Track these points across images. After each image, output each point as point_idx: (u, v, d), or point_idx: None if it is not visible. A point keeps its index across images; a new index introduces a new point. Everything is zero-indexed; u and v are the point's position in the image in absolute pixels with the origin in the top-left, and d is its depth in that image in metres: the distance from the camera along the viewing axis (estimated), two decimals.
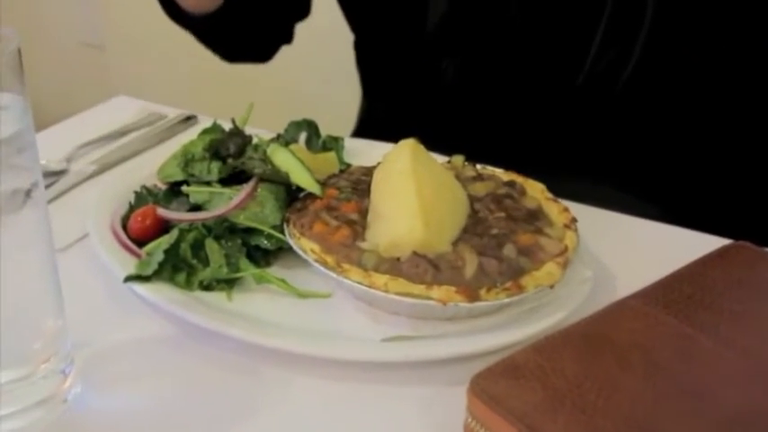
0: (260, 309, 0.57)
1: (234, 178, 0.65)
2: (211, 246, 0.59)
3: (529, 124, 0.87)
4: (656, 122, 0.85)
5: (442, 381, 0.52)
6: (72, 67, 2.33)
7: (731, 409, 0.44)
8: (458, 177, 0.64)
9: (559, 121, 0.86)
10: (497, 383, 0.44)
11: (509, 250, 0.56)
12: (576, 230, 0.59)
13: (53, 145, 0.79)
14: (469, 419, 0.45)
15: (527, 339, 0.51)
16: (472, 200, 0.62)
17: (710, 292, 0.53)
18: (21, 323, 0.45)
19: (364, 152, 0.75)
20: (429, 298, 0.53)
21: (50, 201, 0.70)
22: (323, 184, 0.64)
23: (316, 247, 0.57)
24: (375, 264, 0.55)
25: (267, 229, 0.61)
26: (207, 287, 0.58)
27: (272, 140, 0.71)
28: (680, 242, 0.67)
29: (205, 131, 0.71)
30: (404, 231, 0.55)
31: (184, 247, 0.58)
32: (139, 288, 0.56)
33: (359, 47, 0.99)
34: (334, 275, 0.55)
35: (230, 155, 0.66)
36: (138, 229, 0.62)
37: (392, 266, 0.54)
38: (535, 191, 0.65)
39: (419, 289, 0.53)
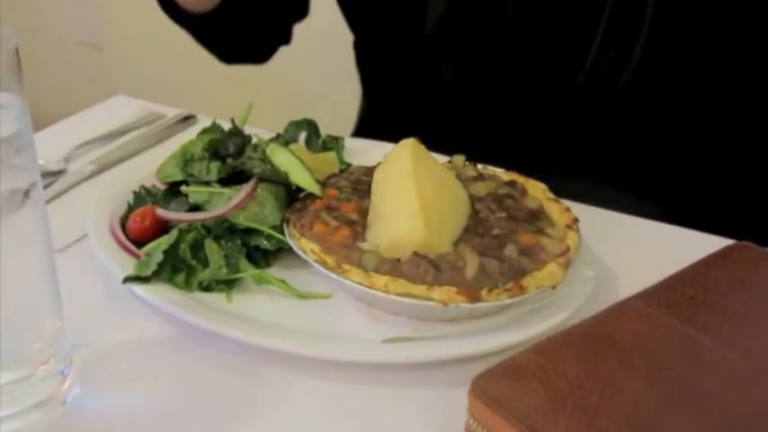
0: (260, 310, 0.56)
1: (233, 178, 0.65)
2: (211, 246, 0.59)
3: (529, 124, 0.87)
4: (657, 122, 0.85)
5: (443, 382, 0.51)
6: (70, 66, 2.33)
7: (734, 409, 0.44)
8: (458, 177, 0.64)
9: (560, 122, 0.86)
10: (499, 385, 0.44)
11: (510, 251, 0.56)
12: (577, 230, 0.59)
13: (51, 145, 0.79)
14: (471, 421, 0.45)
15: (528, 340, 0.51)
16: (473, 200, 0.62)
17: (713, 293, 0.53)
18: (19, 324, 0.45)
19: (364, 152, 0.74)
20: (430, 299, 0.52)
21: (49, 201, 0.70)
22: (323, 184, 0.63)
23: (316, 248, 0.57)
24: (375, 264, 0.54)
25: (267, 230, 0.61)
26: (206, 288, 0.57)
27: (272, 140, 0.70)
28: (682, 242, 0.66)
29: (204, 131, 0.71)
30: (404, 231, 0.55)
31: (184, 248, 0.58)
32: (138, 289, 0.56)
33: (358, 47, 0.99)
34: (335, 276, 0.55)
35: (230, 155, 0.66)
36: (137, 229, 0.62)
37: (393, 267, 0.54)
38: (536, 191, 0.64)
39: (420, 290, 0.53)
